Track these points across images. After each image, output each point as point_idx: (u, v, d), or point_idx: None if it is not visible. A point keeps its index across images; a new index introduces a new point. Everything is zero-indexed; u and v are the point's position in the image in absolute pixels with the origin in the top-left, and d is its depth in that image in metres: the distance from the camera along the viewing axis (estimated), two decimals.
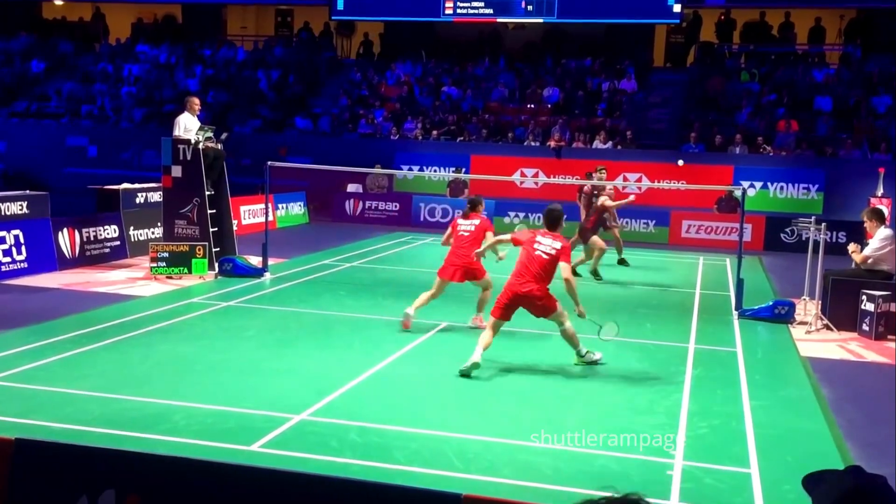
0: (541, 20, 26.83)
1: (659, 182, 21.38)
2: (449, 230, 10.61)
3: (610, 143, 23.16)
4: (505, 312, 8.68)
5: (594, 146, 23.14)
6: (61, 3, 33.07)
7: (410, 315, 10.13)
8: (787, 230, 18.85)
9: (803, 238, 13.66)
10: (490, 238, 9.92)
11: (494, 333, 8.66)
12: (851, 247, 11.46)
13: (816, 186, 21.40)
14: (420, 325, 10.33)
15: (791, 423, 7.38)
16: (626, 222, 20.42)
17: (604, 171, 15.87)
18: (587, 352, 8.90)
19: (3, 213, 13.09)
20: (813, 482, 2.51)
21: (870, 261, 11.21)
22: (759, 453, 6.57)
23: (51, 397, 7.28)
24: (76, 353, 8.65)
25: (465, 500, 3.93)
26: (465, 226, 10.35)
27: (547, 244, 8.66)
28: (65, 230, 13.48)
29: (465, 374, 8.25)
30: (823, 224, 11.77)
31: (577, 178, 20.63)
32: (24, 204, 13.52)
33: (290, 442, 6.46)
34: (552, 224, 8.92)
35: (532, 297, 8.58)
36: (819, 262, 11.45)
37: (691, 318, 11.69)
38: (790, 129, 22.67)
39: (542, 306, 8.67)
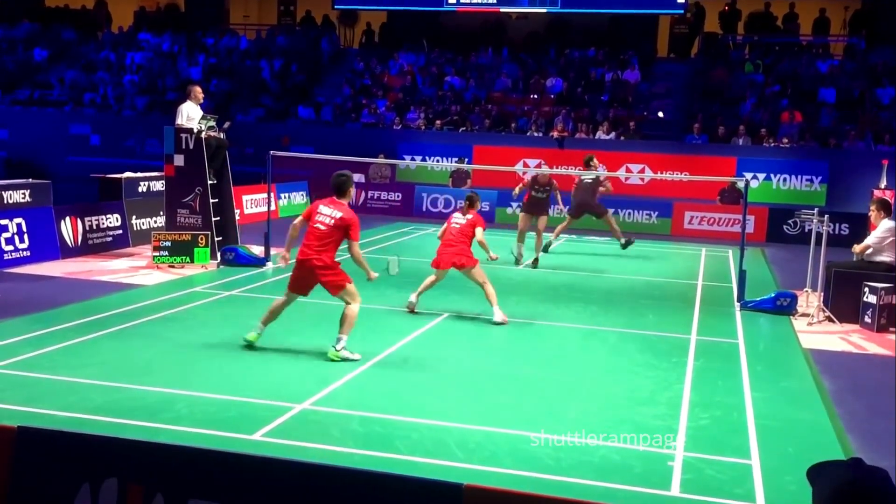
0: (544, 10, 26.76)
1: (662, 173, 21.34)
2: (445, 225, 10.82)
3: (613, 134, 23.11)
4: (298, 284, 8.57)
5: (597, 137, 23.10)
6: None
7: (413, 302, 10.46)
8: (790, 222, 18.85)
9: (806, 230, 13.66)
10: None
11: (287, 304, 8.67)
12: (857, 248, 11.45)
13: (820, 178, 21.36)
14: (422, 316, 10.35)
15: (792, 415, 7.38)
16: (629, 213, 20.44)
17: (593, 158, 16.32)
18: (343, 348, 8.35)
19: (5, 202, 13.10)
20: (815, 473, 2.51)
21: (869, 251, 11.19)
22: (760, 445, 6.57)
23: (53, 386, 7.30)
24: (78, 342, 8.67)
25: (466, 489, 3.93)
26: (458, 219, 10.67)
27: (327, 213, 8.40)
28: (67, 219, 13.48)
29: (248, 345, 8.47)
30: (826, 216, 11.75)
31: (579, 169, 20.60)
32: (27, 192, 13.53)
33: (292, 431, 6.47)
34: (338, 192, 8.52)
35: (324, 272, 8.39)
36: (821, 254, 11.44)
37: (693, 310, 11.69)
38: (794, 120, 22.61)
39: (325, 278, 8.42)
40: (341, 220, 8.34)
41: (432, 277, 10.61)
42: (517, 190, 15.31)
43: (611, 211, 16.55)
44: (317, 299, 11.22)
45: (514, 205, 20.67)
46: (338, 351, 8.32)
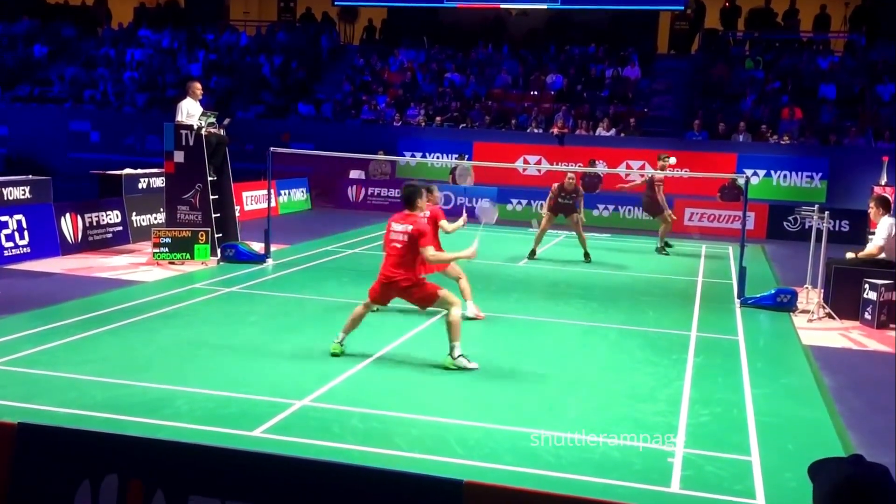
0: (544, 6, 26.75)
1: (662, 170, 21.30)
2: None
3: (613, 131, 23.10)
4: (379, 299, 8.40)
5: (597, 133, 23.09)
6: None
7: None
8: (791, 218, 18.85)
9: (806, 226, 13.65)
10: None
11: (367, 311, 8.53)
12: (850, 255, 11.43)
13: (820, 175, 21.36)
14: (423, 312, 10.34)
15: (792, 412, 7.39)
16: (629, 210, 20.42)
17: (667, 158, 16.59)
18: (460, 356, 8.04)
19: (5, 198, 13.09)
20: (816, 470, 2.52)
21: (883, 254, 11.13)
22: (760, 441, 6.57)
23: (53, 382, 7.30)
24: (79, 338, 8.67)
25: (466, 486, 3.94)
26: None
27: (400, 230, 8.14)
28: (67, 215, 13.48)
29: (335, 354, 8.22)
30: (826, 212, 11.75)
31: (579, 166, 20.60)
32: (27, 189, 13.52)
33: (292, 427, 6.47)
34: (408, 204, 8.27)
35: (410, 288, 8.14)
36: (822, 251, 11.43)
37: (693, 306, 11.69)
38: (794, 116, 22.60)
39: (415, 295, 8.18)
40: (412, 233, 8.06)
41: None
42: (546, 207, 15.10)
43: (668, 211, 16.56)
44: (316, 295, 11.24)
45: (515, 201, 20.70)
46: (455, 359, 8.00)
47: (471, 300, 10.26)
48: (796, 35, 26.63)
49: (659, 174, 16.37)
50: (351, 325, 8.46)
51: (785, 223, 19.24)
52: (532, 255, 14.76)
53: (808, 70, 24.21)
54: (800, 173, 21.53)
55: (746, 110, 23.23)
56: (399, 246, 8.13)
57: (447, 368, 8.03)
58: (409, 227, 8.12)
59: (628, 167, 22.00)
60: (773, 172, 21.58)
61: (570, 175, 14.92)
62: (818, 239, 11.62)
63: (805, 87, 23.63)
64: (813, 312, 11.00)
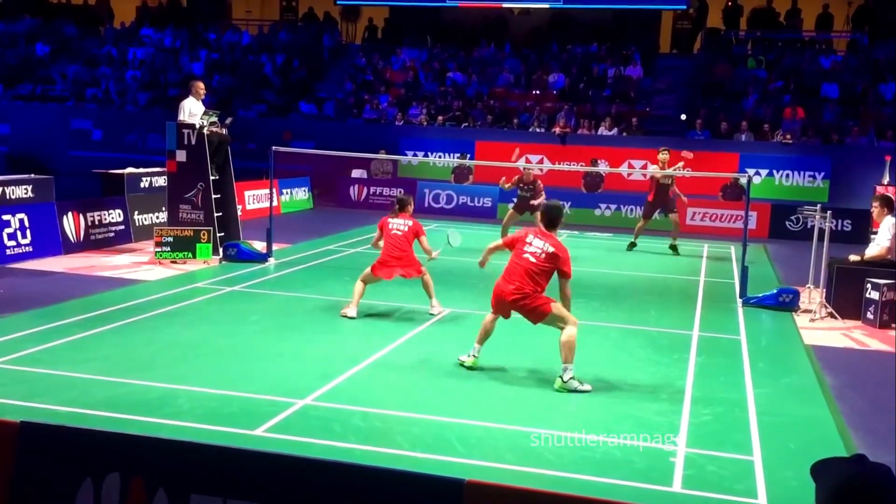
0: (547, 5, 26.74)
1: (664, 169, 21.28)
2: (378, 232, 10.29)
3: (615, 130, 23.09)
4: (498, 311, 8.11)
5: (599, 132, 23.08)
6: None
7: (351, 314, 9.92)
8: (793, 218, 18.83)
9: (808, 226, 13.64)
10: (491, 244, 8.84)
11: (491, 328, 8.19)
12: (854, 257, 11.40)
13: (822, 174, 21.34)
14: (425, 312, 10.35)
15: (794, 411, 7.38)
16: (631, 209, 20.41)
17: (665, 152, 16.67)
18: (571, 378, 7.58)
19: (7, 197, 13.11)
20: (818, 470, 2.52)
21: (891, 255, 11.10)
22: (762, 440, 6.57)
23: (55, 380, 7.31)
24: (81, 337, 8.68)
25: (467, 485, 3.94)
26: (398, 225, 10.14)
27: (538, 246, 7.86)
28: (69, 214, 13.50)
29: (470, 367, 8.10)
30: (829, 212, 11.73)
31: (581, 165, 20.61)
32: (29, 187, 13.54)
33: (293, 426, 6.48)
34: (549, 224, 8.00)
35: (520, 301, 7.81)
36: (824, 251, 11.42)
37: (695, 306, 11.69)
38: (796, 116, 22.58)
39: (533, 310, 7.83)
40: (553, 255, 7.77)
41: (361, 288, 10.07)
42: (508, 186, 15.53)
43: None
44: (317, 294, 11.24)
45: (517, 200, 20.68)
46: (565, 382, 7.55)
47: (434, 297, 10.36)
48: (799, 34, 26.60)
49: (660, 172, 16.35)
50: (483, 336, 8.16)
51: (787, 223, 19.23)
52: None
53: (811, 69, 24.18)
54: (802, 173, 21.51)
55: (749, 109, 23.21)
56: (533, 260, 7.77)
57: (559, 391, 7.57)
58: (550, 249, 7.79)
59: (630, 167, 21.99)
60: (775, 172, 21.56)
61: (526, 166, 15.49)
62: (820, 238, 11.61)
63: (807, 87, 23.60)
64: (815, 312, 11.00)
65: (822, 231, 11.63)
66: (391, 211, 10.67)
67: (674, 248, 16.35)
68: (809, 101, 23.12)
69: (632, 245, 16.48)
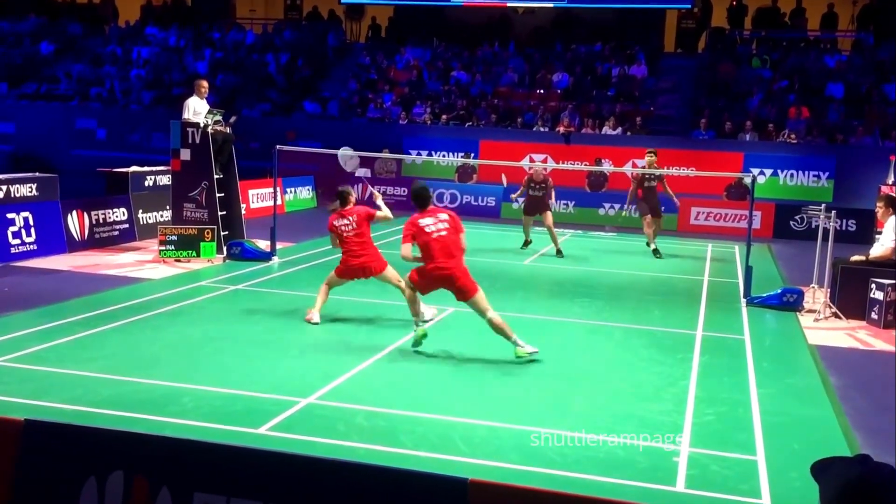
0: (551, 5, 26.73)
1: (668, 169, 21.29)
2: (332, 235, 9.86)
3: (619, 129, 23.06)
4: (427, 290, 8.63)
5: (603, 132, 23.05)
6: None
7: (315, 319, 9.65)
8: (797, 218, 18.78)
9: (813, 226, 13.62)
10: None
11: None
12: (858, 257, 11.37)
13: (827, 174, 21.29)
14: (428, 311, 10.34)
15: (798, 411, 7.37)
16: (634, 208, 20.36)
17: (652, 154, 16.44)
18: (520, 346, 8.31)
19: (12, 196, 13.13)
20: (821, 469, 2.51)
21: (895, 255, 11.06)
22: (766, 441, 6.56)
23: (60, 379, 7.32)
24: (85, 335, 8.69)
25: (470, 484, 3.93)
26: (344, 224, 9.67)
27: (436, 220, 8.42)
28: (74, 213, 13.52)
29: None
30: (833, 212, 11.71)
31: (585, 164, 20.59)
32: (34, 186, 13.56)
33: (297, 425, 6.49)
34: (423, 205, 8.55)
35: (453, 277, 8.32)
36: (828, 250, 11.41)
37: (699, 306, 11.67)
38: (801, 115, 22.54)
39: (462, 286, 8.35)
40: (453, 218, 8.53)
41: (324, 296, 9.83)
42: (519, 192, 15.52)
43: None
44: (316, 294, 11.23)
45: (522, 200, 20.68)
46: (521, 348, 8.30)
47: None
48: (803, 34, 26.55)
49: (643, 171, 16.06)
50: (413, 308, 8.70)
51: (791, 222, 19.19)
52: (526, 244, 15.27)
53: (816, 69, 24.14)
54: (806, 172, 21.46)
55: (753, 109, 23.17)
56: (446, 235, 8.38)
57: (520, 357, 8.27)
58: (446, 216, 8.53)
59: (634, 166, 21.95)
60: (779, 171, 21.52)
61: (536, 166, 15.45)
62: (825, 238, 11.59)
63: (812, 86, 23.56)
64: (819, 312, 10.98)
65: (826, 231, 11.61)
66: (333, 211, 9.95)
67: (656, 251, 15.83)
68: (814, 101, 23.08)
69: (657, 253, 15.66)
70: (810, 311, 11.21)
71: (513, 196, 15.65)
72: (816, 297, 11.53)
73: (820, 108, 22.91)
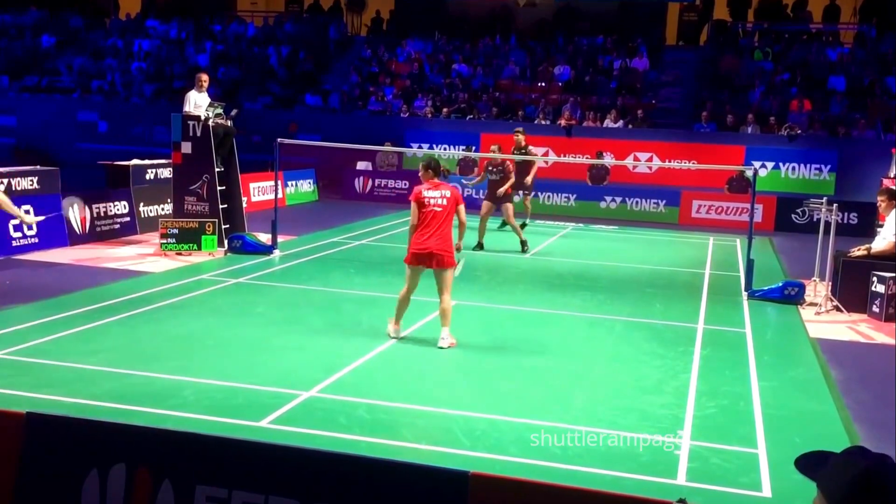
0: None
1: (670, 161, 21.28)
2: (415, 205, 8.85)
3: (621, 122, 23.04)
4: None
5: (605, 125, 23.03)
6: None
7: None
8: (799, 211, 18.78)
9: (814, 219, 13.60)
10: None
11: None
12: (859, 251, 11.34)
13: (829, 167, 21.28)
14: (429, 304, 10.34)
15: (799, 405, 7.37)
16: (636, 202, 20.39)
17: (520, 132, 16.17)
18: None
19: (14, 189, 13.12)
20: (813, 465, 2.48)
21: None
22: (767, 434, 6.57)
23: (61, 372, 7.33)
24: (87, 328, 8.70)
25: (472, 477, 3.94)
26: (435, 196, 9.21)
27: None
28: (75, 206, 13.51)
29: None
30: (835, 205, 11.69)
31: (586, 157, 20.59)
32: (35, 179, 13.55)
33: (298, 418, 6.49)
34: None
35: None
36: (830, 244, 11.40)
37: (700, 299, 11.67)
38: (803, 108, 22.50)
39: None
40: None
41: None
42: (478, 179, 15.33)
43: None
44: (323, 287, 11.26)
45: (522, 192, 20.69)
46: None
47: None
48: (806, 26, 26.49)
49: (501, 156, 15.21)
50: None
51: (793, 215, 19.18)
52: (479, 247, 14.57)
53: (818, 61, 24.09)
54: (808, 165, 21.45)
55: (755, 102, 23.13)
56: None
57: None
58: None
59: (636, 159, 21.96)
60: (781, 164, 21.51)
61: (493, 147, 14.98)
62: (826, 231, 11.57)
63: (814, 79, 23.52)
64: (821, 305, 10.98)
65: (828, 224, 11.59)
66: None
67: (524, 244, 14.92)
68: (816, 94, 23.04)
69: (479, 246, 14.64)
70: (812, 304, 11.21)
71: (474, 181, 15.32)
72: (818, 290, 11.52)
73: (822, 101, 22.88)
